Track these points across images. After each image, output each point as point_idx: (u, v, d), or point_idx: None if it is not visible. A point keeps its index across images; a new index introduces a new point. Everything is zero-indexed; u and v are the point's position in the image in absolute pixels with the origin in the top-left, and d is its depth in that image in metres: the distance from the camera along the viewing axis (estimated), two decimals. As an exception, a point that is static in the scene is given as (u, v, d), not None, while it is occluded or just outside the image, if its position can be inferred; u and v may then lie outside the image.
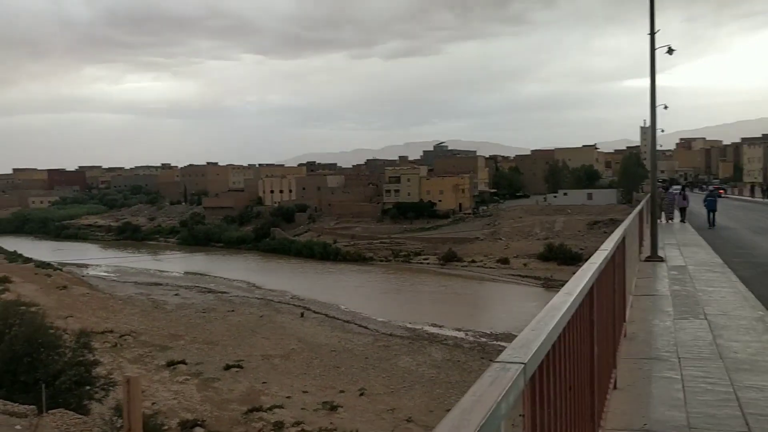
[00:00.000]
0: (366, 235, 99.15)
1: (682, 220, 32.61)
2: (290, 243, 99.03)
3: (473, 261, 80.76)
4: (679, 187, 49.09)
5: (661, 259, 15.64)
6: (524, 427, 2.17)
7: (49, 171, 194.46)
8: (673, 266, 14.90)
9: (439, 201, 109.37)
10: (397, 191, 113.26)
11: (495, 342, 44.91)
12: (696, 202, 40.14)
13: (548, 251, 78.17)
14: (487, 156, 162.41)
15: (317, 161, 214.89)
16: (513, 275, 72.87)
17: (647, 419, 5.22)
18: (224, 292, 66.11)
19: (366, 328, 50.19)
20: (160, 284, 71.72)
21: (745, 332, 8.27)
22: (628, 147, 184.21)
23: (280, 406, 31.96)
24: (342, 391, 34.43)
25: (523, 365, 1.95)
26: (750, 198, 67.64)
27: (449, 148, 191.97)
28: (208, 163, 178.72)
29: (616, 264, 6.20)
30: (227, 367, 38.44)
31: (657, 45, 15.65)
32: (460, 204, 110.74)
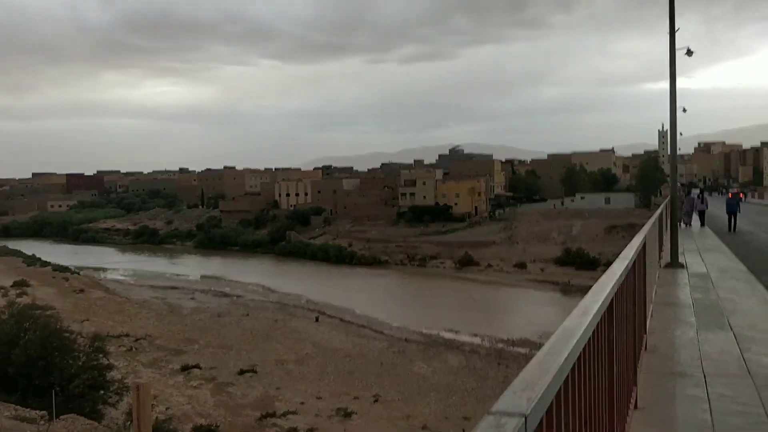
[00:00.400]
0: (381, 238, 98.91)
1: (702, 225, 32.05)
2: (305, 246, 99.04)
3: (489, 265, 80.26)
4: (697, 190, 48.42)
5: (682, 266, 15.12)
6: None
7: (68, 175, 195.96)
8: (694, 273, 14.38)
9: (455, 204, 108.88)
10: (412, 194, 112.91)
11: (512, 348, 44.49)
12: (714, 206, 39.50)
13: (565, 256, 77.58)
14: (504, 160, 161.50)
15: (333, 165, 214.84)
16: (530, 280, 72.35)
17: None
18: (239, 296, 66.16)
19: (381, 333, 49.92)
20: (176, 288, 71.94)
21: None
22: (645, 151, 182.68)
23: (294, 412, 31.75)
24: (356, 398, 34.15)
25: (523, 418, 1.53)
26: (771, 202, 66.52)
27: (465, 151, 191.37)
28: (225, 167, 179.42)
29: (637, 273, 5.84)
30: (241, 372, 38.31)
31: (677, 46, 15.31)
32: (476, 208, 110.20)
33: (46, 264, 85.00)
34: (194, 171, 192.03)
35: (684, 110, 34.93)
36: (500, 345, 45.80)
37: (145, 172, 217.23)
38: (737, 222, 29.78)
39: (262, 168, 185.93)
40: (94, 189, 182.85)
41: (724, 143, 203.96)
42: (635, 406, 5.27)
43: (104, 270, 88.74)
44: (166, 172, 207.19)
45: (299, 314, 56.60)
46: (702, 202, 33.36)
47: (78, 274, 78.38)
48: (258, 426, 30.34)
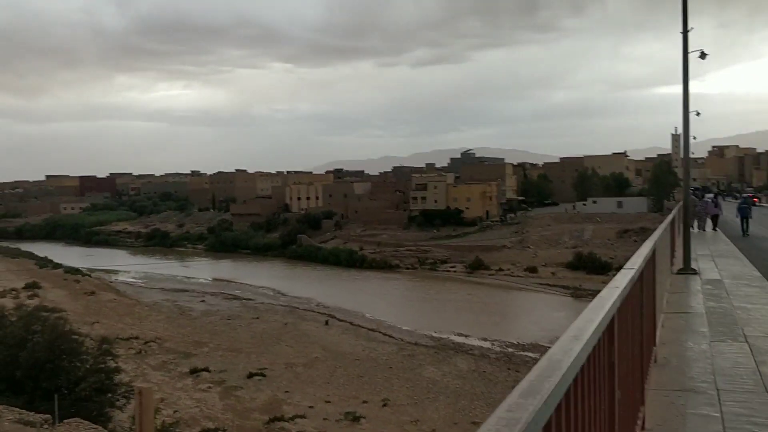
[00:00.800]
0: (392, 242, 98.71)
1: (714, 229, 31.72)
2: (316, 250, 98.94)
3: (500, 269, 79.87)
4: (711, 195, 47.97)
5: (695, 272, 14.78)
6: None
7: (81, 178, 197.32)
8: (707, 280, 14.00)
9: (467, 208, 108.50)
10: (423, 198, 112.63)
11: (522, 353, 44.15)
12: (728, 210, 39.06)
13: (577, 260, 77.04)
14: (515, 163, 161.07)
15: (345, 168, 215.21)
16: (541, 284, 71.89)
17: None
18: (250, 299, 66.11)
19: (391, 336, 49.68)
20: (187, 291, 72.01)
21: None
22: (659, 155, 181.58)
23: (303, 416, 31.56)
24: (365, 402, 33.93)
25: None
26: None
27: (477, 155, 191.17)
28: (236, 170, 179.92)
29: (644, 282, 5.47)
30: (250, 375, 38.17)
31: (689, 49, 15.07)
32: (487, 212, 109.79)
33: (58, 266, 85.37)
34: (206, 174, 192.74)
35: (698, 114, 34.56)
36: (510, 349, 45.50)
37: (157, 174, 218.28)
38: (751, 226, 29.58)
39: (273, 171, 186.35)
40: (107, 191, 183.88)
41: (738, 147, 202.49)
42: (643, 427, 4.93)
43: (115, 272, 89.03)
44: (178, 174, 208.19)
45: (309, 318, 56.46)
46: (716, 207, 33.02)
47: (89, 276, 78.64)
48: (266, 430, 30.16)
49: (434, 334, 50.18)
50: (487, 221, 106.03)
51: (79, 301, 61.26)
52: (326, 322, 54.01)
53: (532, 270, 77.75)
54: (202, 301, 65.02)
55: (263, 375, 38.47)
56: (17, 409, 19.44)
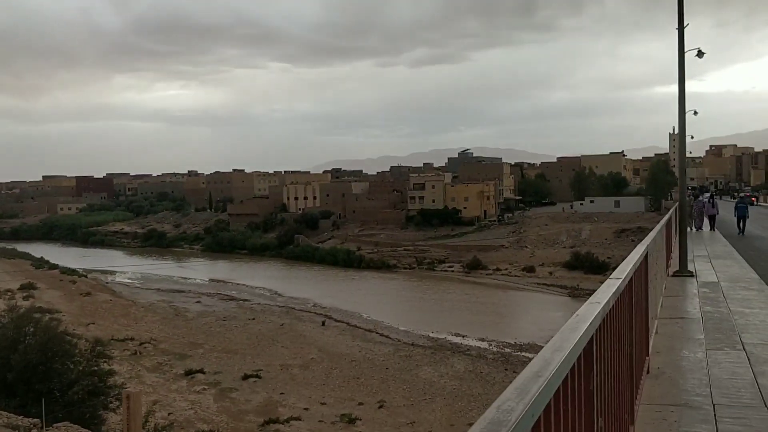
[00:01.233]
0: (390, 242, 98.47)
1: (712, 229, 31.62)
2: (314, 250, 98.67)
3: (498, 269, 79.71)
4: (708, 194, 47.85)
5: (691, 274, 14.49)
6: None
7: (77, 178, 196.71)
8: (704, 282, 13.69)
9: (464, 208, 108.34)
10: (421, 198, 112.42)
11: (519, 353, 43.95)
12: (725, 210, 38.91)
13: (574, 260, 76.85)
14: (513, 163, 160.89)
15: (343, 168, 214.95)
16: (538, 284, 71.74)
17: None
18: (246, 300, 65.84)
19: (388, 337, 49.47)
20: (183, 291, 71.74)
21: None
22: (656, 154, 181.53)
23: (298, 418, 31.37)
24: (361, 403, 33.72)
25: None
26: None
27: (475, 155, 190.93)
28: (234, 170, 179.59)
29: (635, 290, 5.13)
30: (245, 377, 37.96)
31: (686, 49, 14.86)
32: (485, 211, 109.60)
33: (54, 267, 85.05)
34: (203, 174, 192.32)
35: (695, 113, 34.36)
36: (507, 350, 45.31)
37: (154, 174, 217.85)
38: (748, 226, 29.53)
39: (271, 171, 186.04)
40: (104, 191, 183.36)
41: (735, 146, 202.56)
42: None
43: (112, 273, 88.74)
44: (175, 174, 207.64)
45: (306, 318, 56.23)
46: (713, 207, 32.91)
47: (85, 277, 78.36)
48: (260, 432, 29.98)
49: (431, 335, 49.98)
50: (484, 221, 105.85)
51: (75, 302, 61.02)
52: (323, 323, 53.80)
53: (530, 270, 77.58)
54: (198, 302, 64.74)
55: (258, 376, 38.26)
56: (5, 413, 19.18)
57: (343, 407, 33.03)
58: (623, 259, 5.84)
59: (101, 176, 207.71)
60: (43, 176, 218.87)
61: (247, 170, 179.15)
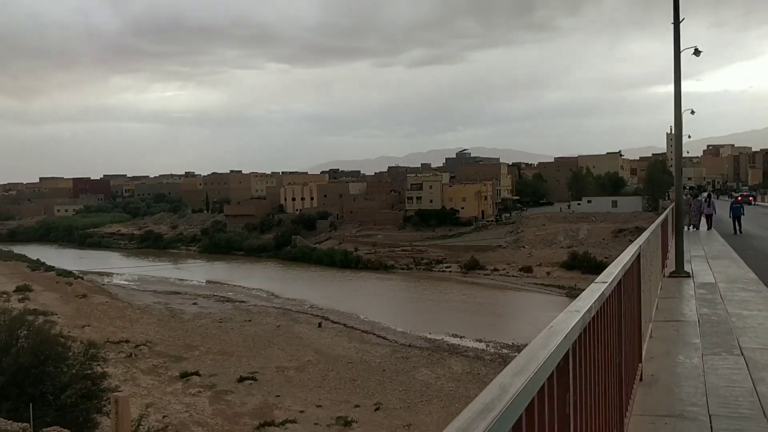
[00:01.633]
0: (387, 242, 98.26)
1: (709, 228, 31.53)
2: (311, 251, 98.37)
3: (496, 269, 79.50)
4: (705, 194, 47.77)
5: (688, 275, 14.28)
6: None
7: (74, 180, 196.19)
8: (700, 283, 13.42)
9: (462, 208, 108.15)
10: (419, 198, 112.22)
11: (517, 354, 43.63)
12: (724, 209, 38.81)
13: (572, 260, 76.67)
14: (510, 163, 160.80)
15: (341, 168, 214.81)
16: (536, 284, 71.56)
17: None
18: (242, 301, 65.56)
19: (385, 338, 49.23)
20: (179, 293, 71.43)
21: None
22: (654, 154, 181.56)
23: (293, 421, 31.16)
24: (357, 406, 33.51)
25: None
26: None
27: (472, 155, 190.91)
28: (231, 171, 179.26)
29: (624, 294, 4.80)
30: (241, 379, 37.74)
31: (684, 47, 14.70)
32: (482, 211, 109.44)
33: (50, 269, 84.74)
34: (200, 175, 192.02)
35: (692, 112, 34.38)
36: (505, 350, 45.08)
37: (151, 176, 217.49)
38: (742, 224, 29.51)
39: (268, 172, 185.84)
40: (101, 193, 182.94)
41: (733, 146, 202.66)
42: None
43: (108, 275, 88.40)
44: (172, 176, 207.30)
45: (302, 320, 55.98)
46: (709, 206, 32.86)
47: (82, 278, 78.05)
48: (256, 435, 29.76)
49: (429, 336, 49.73)
50: (482, 221, 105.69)
51: (71, 304, 60.72)
52: (319, 325, 53.56)
53: (527, 270, 77.38)
54: (195, 303, 64.47)
55: (254, 379, 38.03)
56: (-5, 418, 18.96)
57: (339, 409, 32.82)
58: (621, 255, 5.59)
59: (98, 178, 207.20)
60: (40, 178, 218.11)
61: (245, 171, 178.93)
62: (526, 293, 68.06)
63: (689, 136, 39.93)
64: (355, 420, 31.23)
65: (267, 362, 41.69)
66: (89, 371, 26.42)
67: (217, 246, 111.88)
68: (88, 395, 25.68)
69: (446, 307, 61.71)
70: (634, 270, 5.70)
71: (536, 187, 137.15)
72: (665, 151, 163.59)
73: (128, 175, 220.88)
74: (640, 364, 6.17)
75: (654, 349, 7.60)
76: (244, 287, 75.24)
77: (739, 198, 45.35)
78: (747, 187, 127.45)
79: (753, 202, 72.71)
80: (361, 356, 43.49)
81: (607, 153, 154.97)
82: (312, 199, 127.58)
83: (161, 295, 70.15)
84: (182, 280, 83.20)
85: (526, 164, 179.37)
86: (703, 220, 32.59)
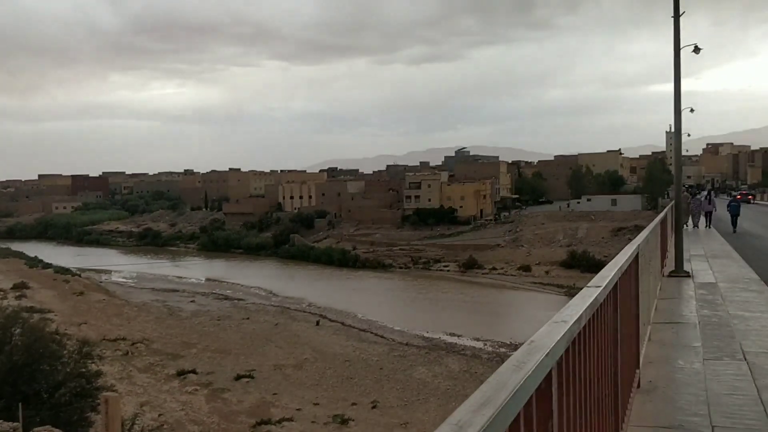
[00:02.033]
0: (386, 241, 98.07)
1: (708, 226, 31.46)
2: (309, 249, 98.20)
3: (494, 268, 79.33)
4: (704, 192, 47.71)
5: (688, 275, 14.02)
6: None
7: (73, 177, 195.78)
8: (701, 283, 13.13)
9: (460, 207, 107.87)
10: (417, 197, 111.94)
11: (514, 353, 43.54)
12: (723, 207, 38.70)
13: (571, 258, 76.49)
14: (510, 161, 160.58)
15: (340, 167, 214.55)
16: (535, 283, 71.42)
17: None
18: (241, 299, 65.40)
19: (382, 337, 49.10)
20: (177, 291, 71.26)
21: None
22: (653, 152, 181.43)
23: (290, 419, 31.00)
24: (354, 404, 33.36)
25: None
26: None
27: (471, 153, 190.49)
28: (230, 169, 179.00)
29: (620, 298, 4.44)
30: (238, 377, 37.57)
31: (682, 45, 14.52)
32: (481, 210, 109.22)
33: (48, 266, 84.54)
34: (199, 173, 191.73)
35: (692, 110, 34.18)
36: (503, 349, 44.93)
37: (150, 173, 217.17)
38: (744, 224, 29.53)
39: (267, 170, 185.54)
40: (99, 190, 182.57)
41: (732, 144, 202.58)
42: None
43: (106, 272, 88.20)
44: (171, 173, 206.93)
45: (300, 318, 55.83)
46: (709, 203, 32.82)
47: (79, 276, 77.89)
48: (252, 434, 29.59)
49: (426, 335, 49.59)
50: (481, 220, 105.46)
51: (68, 302, 60.53)
52: (317, 323, 53.40)
53: (526, 269, 77.21)
54: (192, 301, 64.29)
55: (251, 377, 37.88)
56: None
57: (336, 408, 32.67)
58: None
59: (97, 175, 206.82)
60: (39, 175, 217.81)
61: (244, 169, 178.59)
62: (524, 292, 67.90)
63: (689, 135, 39.66)
64: (352, 418, 31.08)
65: (264, 360, 41.52)
66: (83, 369, 26.25)
67: (215, 244, 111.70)
68: (83, 393, 25.51)
69: (444, 306, 61.57)
70: (631, 271, 5.41)
71: (535, 185, 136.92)
72: (665, 149, 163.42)
73: (127, 173, 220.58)
74: (637, 370, 5.87)
75: (652, 354, 7.31)
76: (242, 285, 75.08)
77: (738, 197, 45.39)
78: (746, 186, 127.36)
79: (752, 201, 72.61)
80: (358, 354, 43.34)
81: (607, 151, 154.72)
82: (310, 197, 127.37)
83: (159, 292, 69.99)
84: (180, 277, 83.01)
85: (526, 162, 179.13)
86: (702, 218, 32.50)
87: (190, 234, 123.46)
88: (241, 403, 33.82)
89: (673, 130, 17.43)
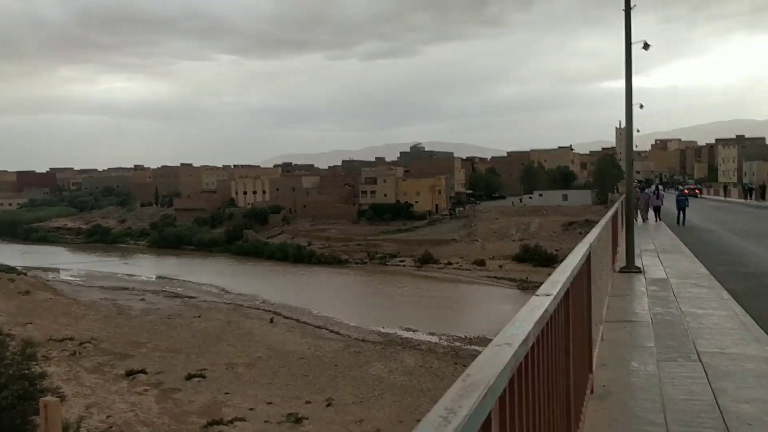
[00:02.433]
0: (341, 236, 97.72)
1: (657, 219, 32.10)
2: (263, 245, 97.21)
3: (449, 263, 79.68)
4: (653, 187, 48.64)
5: (639, 270, 14.03)
6: None
7: (18, 173, 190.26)
8: (652, 279, 13.10)
9: (416, 202, 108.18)
10: (373, 192, 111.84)
11: (469, 346, 43.77)
12: (671, 201, 39.50)
13: (524, 253, 77.34)
14: (464, 157, 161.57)
15: (295, 162, 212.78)
16: (489, 277, 71.92)
17: None
18: (192, 297, 64.31)
19: (338, 333, 48.80)
20: (127, 289, 69.78)
21: (756, 383, 6.16)
22: (603, 148, 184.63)
23: (243, 419, 30.50)
24: (308, 402, 33.01)
25: None
26: (724, 198, 67.16)
27: (427, 149, 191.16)
28: (181, 164, 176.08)
29: (572, 304, 4.14)
30: (189, 377, 36.84)
31: (633, 40, 14.58)
32: (436, 205, 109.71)
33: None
34: (150, 168, 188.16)
35: (641, 106, 34.68)
36: (458, 343, 45.10)
37: (100, 169, 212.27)
38: (694, 219, 30.11)
39: (221, 165, 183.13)
40: (46, 187, 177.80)
41: (680, 140, 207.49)
42: None
43: (54, 270, 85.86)
44: (121, 169, 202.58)
45: (254, 315, 55.13)
46: (657, 198, 33.46)
47: (25, 275, 75.64)
48: (203, 434, 29.03)
49: (382, 330, 49.49)
50: (436, 215, 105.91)
51: (12, 301, 58.73)
52: (271, 320, 52.81)
53: (480, 263, 77.75)
54: (142, 299, 62.99)
55: (203, 376, 37.21)
56: None
57: (290, 406, 32.27)
58: (570, 251, 5.12)
59: (44, 171, 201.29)
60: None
61: (196, 164, 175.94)
62: (479, 286, 68.34)
63: (638, 131, 40.21)
64: (306, 416, 30.75)
65: (216, 359, 40.83)
66: (27, 371, 25.37)
67: (166, 240, 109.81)
68: (26, 396, 24.64)
69: (400, 301, 61.59)
70: (584, 273, 5.16)
71: (489, 181, 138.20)
72: (614, 145, 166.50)
73: (75, 169, 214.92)
74: (590, 375, 5.62)
75: (605, 355, 7.09)
76: (194, 283, 73.87)
77: (686, 191, 46.42)
78: (693, 181, 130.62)
79: (699, 195, 74.40)
80: (313, 351, 42.96)
81: (559, 147, 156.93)
82: (264, 192, 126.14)
83: (108, 291, 68.41)
84: (130, 275, 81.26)
85: (480, 158, 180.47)
86: (651, 211, 33.09)
87: (140, 230, 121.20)
88: (192, 403, 33.17)
89: (623, 126, 17.58)
